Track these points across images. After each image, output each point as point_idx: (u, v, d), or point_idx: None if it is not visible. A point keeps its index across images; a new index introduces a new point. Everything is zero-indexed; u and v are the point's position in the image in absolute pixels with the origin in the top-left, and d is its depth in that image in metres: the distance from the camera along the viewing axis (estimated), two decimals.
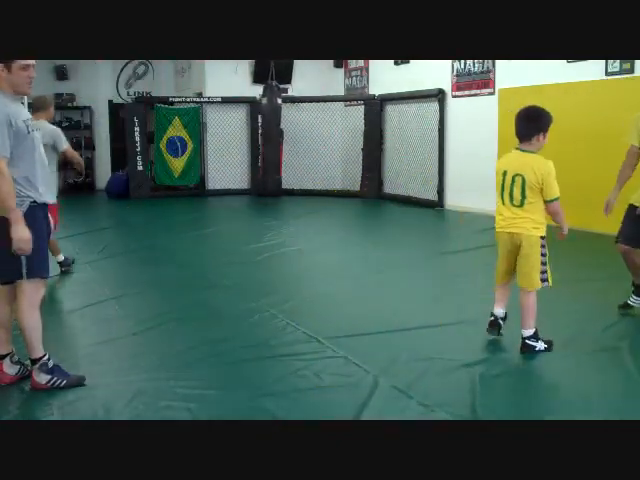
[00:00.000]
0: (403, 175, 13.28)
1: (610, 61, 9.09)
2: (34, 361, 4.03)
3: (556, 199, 4.59)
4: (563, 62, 9.73)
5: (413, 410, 3.73)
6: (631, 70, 8.86)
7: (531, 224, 4.60)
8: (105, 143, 15.97)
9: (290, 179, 14.58)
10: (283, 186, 14.41)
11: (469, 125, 11.72)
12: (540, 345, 4.64)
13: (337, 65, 15.23)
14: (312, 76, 14.91)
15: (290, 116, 14.30)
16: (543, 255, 4.65)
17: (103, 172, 15.60)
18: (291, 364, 4.47)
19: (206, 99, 14.50)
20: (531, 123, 4.73)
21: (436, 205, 12.31)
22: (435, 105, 12.28)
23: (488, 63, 11.29)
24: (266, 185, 13.96)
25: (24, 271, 3.86)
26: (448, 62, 12.05)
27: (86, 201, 14.24)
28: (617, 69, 9.03)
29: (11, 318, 4.13)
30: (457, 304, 5.77)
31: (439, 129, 12.24)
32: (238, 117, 14.70)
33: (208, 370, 4.39)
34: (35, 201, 3.91)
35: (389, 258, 7.94)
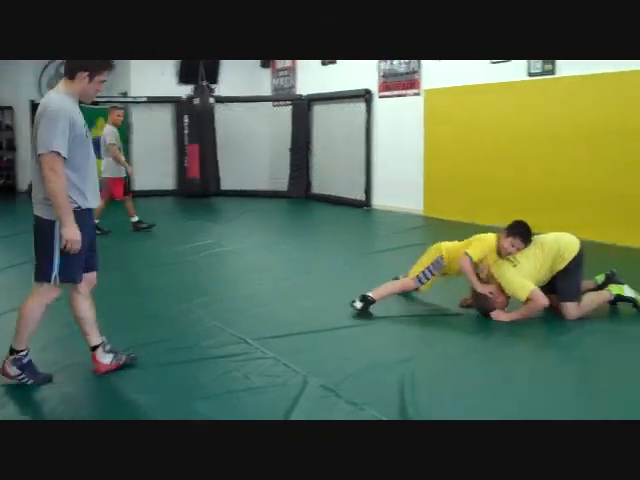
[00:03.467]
0: (331, 175, 13.34)
1: (532, 62, 9.31)
2: (12, 351, 4.09)
3: (467, 253, 5.41)
4: (487, 63, 9.92)
5: (342, 409, 3.74)
6: (552, 71, 9.09)
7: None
8: (27, 144, 15.47)
9: (223, 179, 14.48)
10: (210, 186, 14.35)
11: (396, 125, 11.84)
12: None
13: (264, 65, 15.19)
14: (239, 76, 14.84)
15: (218, 116, 14.21)
16: None
17: (25, 174, 15.20)
18: (222, 366, 4.44)
19: (131, 99, 14.30)
20: (510, 225, 5.45)
21: (363, 205, 12.40)
22: (362, 105, 12.38)
23: (414, 64, 11.42)
24: (207, 186, 13.84)
25: (54, 275, 3.94)
26: (374, 63, 12.16)
27: (7, 203, 13.91)
28: (539, 70, 9.25)
29: (93, 310, 4.27)
30: (384, 302, 5.80)
31: (366, 129, 12.34)
32: (164, 117, 14.54)
33: (139, 373, 4.32)
34: (80, 207, 3.95)
35: (317, 258, 7.97)
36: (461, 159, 10.44)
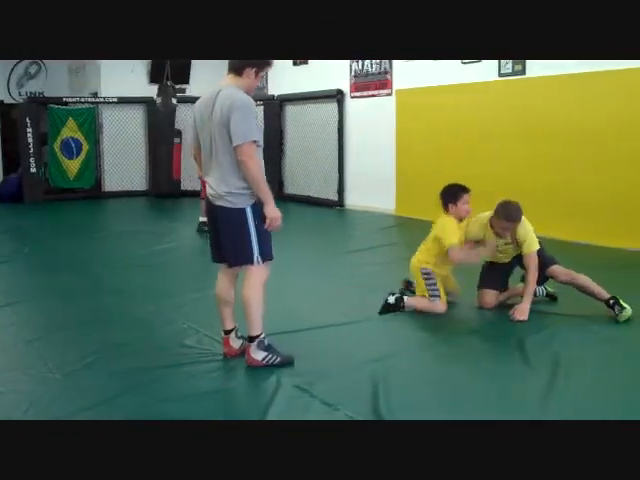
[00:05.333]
0: (304, 175, 13.33)
1: (503, 62, 9.37)
2: (252, 338, 4.33)
3: (450, 245, 5.41)
4: (458, 63, 9.97)
5: (316, 409, 3.74)
6: (522, 72, 9.16)
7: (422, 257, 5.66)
8: None
9: (189, 180, 14.41)
10: (183, 187, 14.26)
11: (368, 125, 11.86)
12: None
13: None
14: (210, 76, 14.73)
15: (188, 117, 14.13)
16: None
17: None
18: (194, 367, 4.41)
19: (102, 99, 14.19)
20: (442, 197, 5.71)
21: (336, 205, 12.41)
22: (334, 105, 12.38)
23: (385, 64, 11.45)
24: (160, 186, 13.88)
25: (256, 256, 4.21)
26: (346, 63, 12.17)
27: None
28: (509, 70, 9.32)
29: (234, 297, 4.49)
30: (359, 302, 5.81)
31: (338, 129, 12.35)
32: (135, 117, 14.47)
33: (108, 377, 4.28)
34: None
35: (291, 259, 7.94)
36: (433, 159, 10.48)
